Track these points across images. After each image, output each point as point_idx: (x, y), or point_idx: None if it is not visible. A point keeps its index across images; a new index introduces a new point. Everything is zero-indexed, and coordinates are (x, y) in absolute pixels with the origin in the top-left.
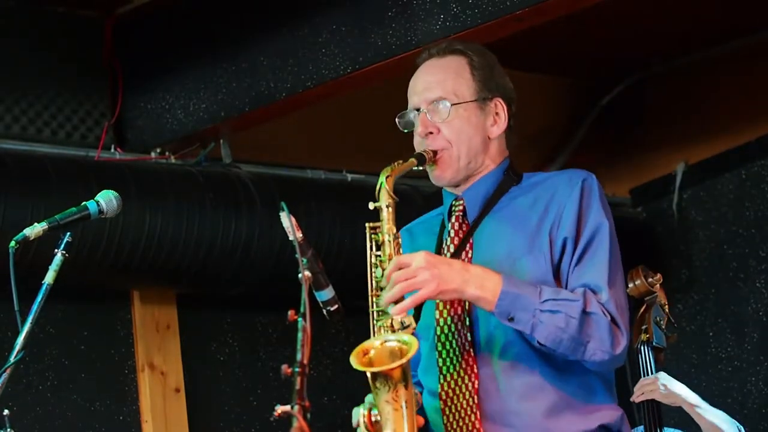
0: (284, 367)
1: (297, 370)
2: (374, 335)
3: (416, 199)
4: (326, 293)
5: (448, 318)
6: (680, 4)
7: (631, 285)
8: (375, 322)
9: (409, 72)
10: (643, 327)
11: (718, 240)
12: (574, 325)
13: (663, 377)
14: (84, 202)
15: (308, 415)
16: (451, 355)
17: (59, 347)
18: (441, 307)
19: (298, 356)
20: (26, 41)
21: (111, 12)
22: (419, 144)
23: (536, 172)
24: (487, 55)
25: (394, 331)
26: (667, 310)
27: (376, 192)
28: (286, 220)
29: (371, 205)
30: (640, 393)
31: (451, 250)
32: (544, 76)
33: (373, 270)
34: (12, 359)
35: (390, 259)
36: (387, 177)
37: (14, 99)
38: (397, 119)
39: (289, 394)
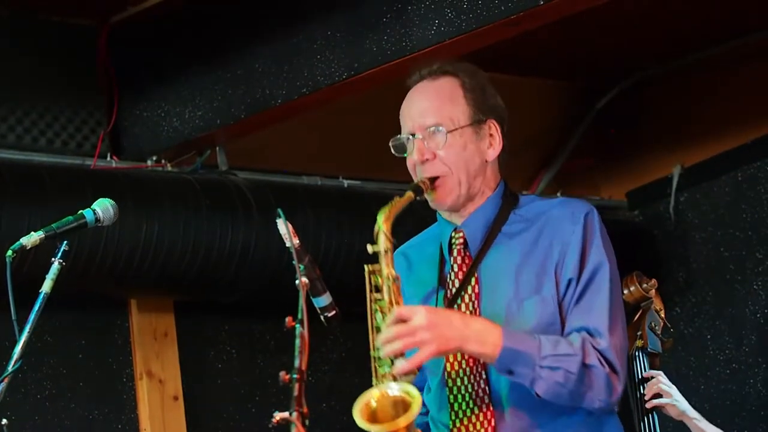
0: (282, 374)
1: (295, 376)
2: (375, 378)
3: (414, 203)
4: (323, 299)
5: (459, 355)
6: (675, 7)
7: (626, 292)
8: (376, 366)
9: (405, 77)
10: (638, 333)
11: (715, 242)
12: (573, 379)
13: (676, 396)
14: (80, 211)
15: (306, 422)
16: (462, 391)
17: (57, 356)
18: None
19: (296, 363)
20: (21, 50)
21: (106, 20)
22: (414, 170)
23: (531, 195)
24: (479, 75)
25: (395, 380)
26: (662, 316)
27: (374, 235)
28: (283, 227)
29: (370, 249)
30: (651, 393)
31: (456, 285)
32: (540, 79)
33: (373, 314)
34: (10, 368)
35: (390, 305)
36: (385, 219)
37: (10, 108)
38: (390, 143)
39: (287, 401)
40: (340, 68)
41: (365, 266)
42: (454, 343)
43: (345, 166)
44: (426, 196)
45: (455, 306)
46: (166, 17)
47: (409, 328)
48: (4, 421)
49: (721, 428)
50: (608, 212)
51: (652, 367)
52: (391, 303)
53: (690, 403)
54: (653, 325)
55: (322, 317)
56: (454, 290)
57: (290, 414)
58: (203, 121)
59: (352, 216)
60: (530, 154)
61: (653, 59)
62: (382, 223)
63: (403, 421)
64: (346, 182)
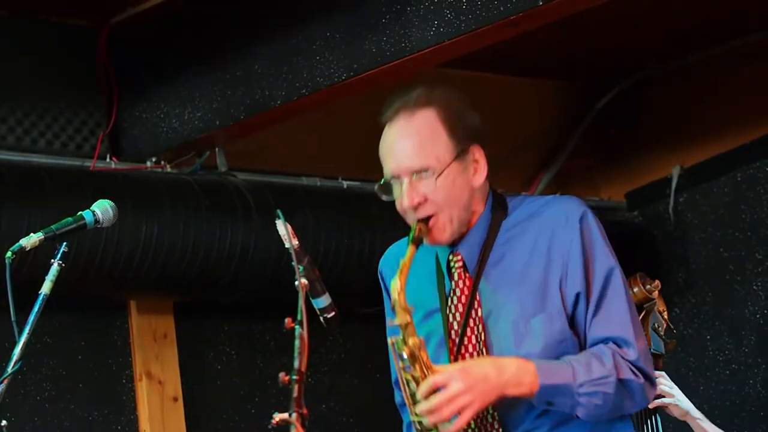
0: (282, 375)
1: (294, 377)
2: None
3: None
4: (323, 300)
5: None
6: (675, 7)
7: None
8: None
9: (405, 78)
10: None
11: (715, 243)
12: (611, 398)
13: (678, 395)
14: (80, 212)
15: (306, 423)
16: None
17: (56, 357)
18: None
19: (296, 364)
20: (21, 51)
21: (105, 21)
22: (406, 213)
23: (519, 196)
24: (453, 99)
25: None
26: (665, 317)
27: (391, 307)
28: (282, 228)
29: (389, 323)
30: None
31: (460, 309)
32: (540, 79)
33: (406, 385)
34: (9, 370)
35: (422, 374)
36: (399, 290)
37: (9, 109)
38: (376, 190)
39: (287, 402)
40: (340, 69)
41: (388, 339)
42: (493, 396)
43: (344, 167)
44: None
45: (465, 333)
46: (165, 18)
47: (448, 396)
48: (4, 422)
49: (721, 429)
50: (608, 213)
51: (655, 368)
52: (423, 372)
53: None
54: (656, 326)
55: (321, 318)
56: (458, 315)
57: (290, 415)
58: (202, 122)
59: (351, 217)
60: (530, 155)
61: (653, 59)
62: (398, 296)
63: None
64: (345, 183)
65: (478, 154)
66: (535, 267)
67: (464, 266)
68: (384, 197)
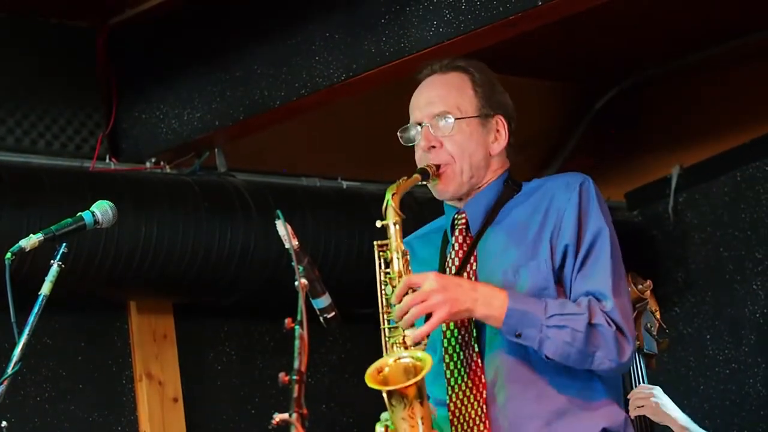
0: (281, 375)
1: (294, 378)
2: (387, 351)
3: (411, 206)
4: (323, 301)
5: (455, 330)
6: (675, 7)
7: None
8: (387, 338)
9: (404, 78)
10: None
11: (714, 242)
12: (580, 338)
13: (658, 393)
14: (79, 213)
15: (306, 423)
16: (458, 366)
17: (56, 358)
18: None
19: (296, 364)
20: (20, 52)
21: (104, 22)
22: (421, 158)
23: (533, 178)
24: (488, 72)
25: (406, 348)
26: (658, 316)
27: (383, 210)
28: (282, 228)
29: (378, 224)
30: (634, 407)
31: (456, 263)
32: (539, 80)
33: (383, 288)
34: (9, 371)
35: (399, 277)
36: (393, 194)
37: (8, 110)
38: (398, 133)
39: (286, 402)
40: (339, 69)
41: (374, 242)
42: (464, 305)
43: (344, 167)
44: (430, 184)
45: None
46: (165, 18)
47: (421, 293)
48: (4, 423)
49: (721, 428)
50: None
51: (648, 368)
52: (400, 275)
53: (690, 403)
54: (649, 326)
55: (321, 319)
56: (453, 268)
57: (290, 415)
58: (202, 123)
59: (351, 217)
60: (530, 155)
61: (653, 59)
62: (391, 198)
63: (413, 380)
64: (344, 183)
65: (501, 125)
66: (532, 224)
67: (467, 226)
68: (404, 142)
